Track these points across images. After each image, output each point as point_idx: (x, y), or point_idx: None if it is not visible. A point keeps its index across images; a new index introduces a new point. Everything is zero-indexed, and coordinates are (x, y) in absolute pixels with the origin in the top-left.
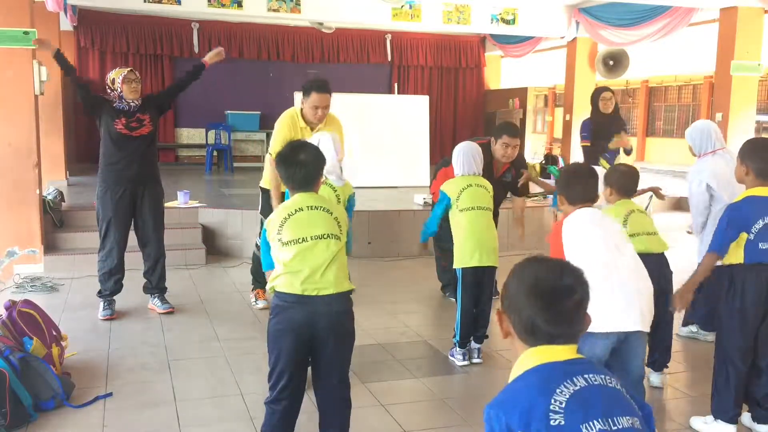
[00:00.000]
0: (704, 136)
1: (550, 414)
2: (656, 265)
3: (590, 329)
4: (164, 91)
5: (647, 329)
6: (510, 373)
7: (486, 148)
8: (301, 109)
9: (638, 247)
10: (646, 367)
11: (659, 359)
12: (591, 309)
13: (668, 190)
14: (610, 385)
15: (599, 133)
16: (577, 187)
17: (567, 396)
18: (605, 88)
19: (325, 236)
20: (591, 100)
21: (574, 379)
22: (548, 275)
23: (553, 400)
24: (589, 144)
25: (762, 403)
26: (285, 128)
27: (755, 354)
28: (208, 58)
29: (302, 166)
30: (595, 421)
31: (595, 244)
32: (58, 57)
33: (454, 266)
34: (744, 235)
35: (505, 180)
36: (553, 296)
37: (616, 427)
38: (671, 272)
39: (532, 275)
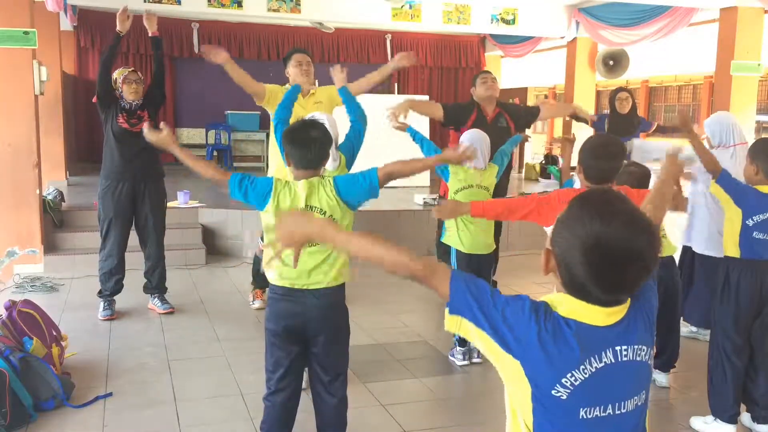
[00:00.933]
0: (723, 128)
1: (557, 386)
2: (666, 269)
3: None
4: (150, 84)
5: None
6: None
7: (469, 105)
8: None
9: None
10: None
11: (667, 360)
12: None
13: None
14: (638, 358)
15: (613, 132)
16: (601, 164)
17: (586, 375)
18: (622, 89)
19: (317, 243)
20: (608, 101)
21: (602, 354)
22: (615, 233)
23: (569, 374)
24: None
25: (761, 402)
26: (274, 86)
27: (751, 353)
28: (150, 28)
29: (316, 143)
30: (597, 408)
31: None
32: (118, 38)
33: (445, 241)
34: (738, 217)
35: (501, 125)
36: (616, 262)
37: (618, 412)
38: (679, 276)
39: (593, 231)
